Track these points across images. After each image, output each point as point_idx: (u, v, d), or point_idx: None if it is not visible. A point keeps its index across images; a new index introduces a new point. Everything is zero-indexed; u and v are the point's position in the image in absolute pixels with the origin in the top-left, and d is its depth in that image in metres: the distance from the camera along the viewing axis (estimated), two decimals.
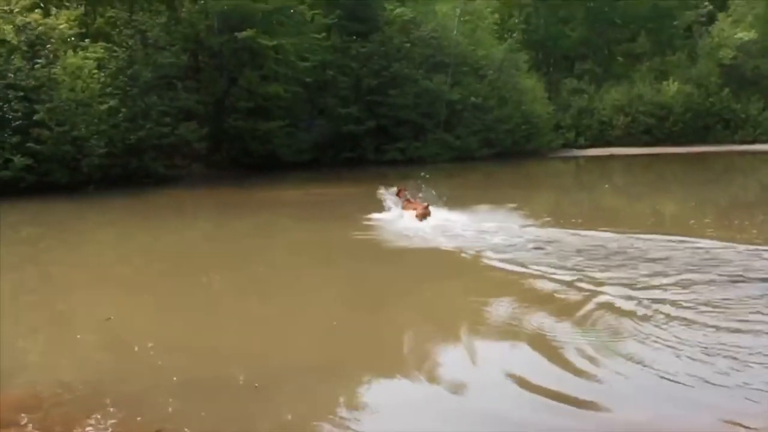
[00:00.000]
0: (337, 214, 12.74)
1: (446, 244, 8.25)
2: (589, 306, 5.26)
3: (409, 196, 11.44)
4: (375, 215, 11.28)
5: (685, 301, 5.20)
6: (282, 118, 31.09)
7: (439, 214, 10.52)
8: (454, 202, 13.29)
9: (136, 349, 4.95)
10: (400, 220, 10.67)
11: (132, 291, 7.08)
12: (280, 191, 21.45)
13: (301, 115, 34.02)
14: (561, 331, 4.76)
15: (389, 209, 11.30)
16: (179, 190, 22.00)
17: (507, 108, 40.13)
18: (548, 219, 10.85)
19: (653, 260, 7.06)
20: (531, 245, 8.40)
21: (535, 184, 23.62)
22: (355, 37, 35.71)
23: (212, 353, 4.91)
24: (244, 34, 27.87)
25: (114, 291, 7.11)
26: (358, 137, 35.32)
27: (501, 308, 5.30)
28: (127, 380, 4.30)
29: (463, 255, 7.76)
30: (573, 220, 10.41)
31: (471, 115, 38.98)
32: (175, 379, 4.27)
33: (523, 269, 6.85)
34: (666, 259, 7.08)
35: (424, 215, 10.36)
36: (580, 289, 5.75)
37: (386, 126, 36.78)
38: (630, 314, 4.99)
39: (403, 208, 11.06)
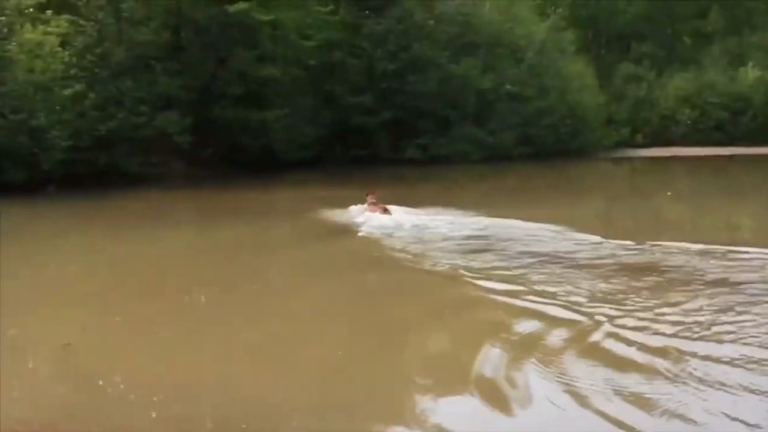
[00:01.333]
0: (342, 225, 12.80)
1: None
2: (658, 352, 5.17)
3: (374, 200, 13.30)
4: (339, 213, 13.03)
5: None
6: (280, 107, 31.36)
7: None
8: (486, 209, 13.34)
9: (100, 382, 4.96)
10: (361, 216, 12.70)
11: (98, 312, 7.10)
12: (276, 195, 21.51)
13: (303, 104, 34.23)
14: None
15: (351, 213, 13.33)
16: (157, 192, 22.27)
17: (549, 98, 40.14)
18: (597, 232, 10.81)
19: (732, 285, 6.94)
20: (570, 262, 8.40)
21: (580, 189, 23.49)
22: (368, 12, 36.02)
23: (193, 388, 4.89)
24: (235, 6, 28.00)
25: (77, 312, 7.13)
26: (370, 132, 35.64)
27: (530, 342, 5.27)
28: (92, 418, 4.32)
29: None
30: (628, 235, 10.34)
31: (506, 106, 39.05)
32: (150, 417, 4.30)
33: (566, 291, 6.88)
34: (746, 284, 6.96)
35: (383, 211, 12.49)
36: (638, 329, 5.66)
37: (404, 119, 36.89)
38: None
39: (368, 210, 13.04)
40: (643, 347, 5.11)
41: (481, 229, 11.52)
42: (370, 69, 36.04)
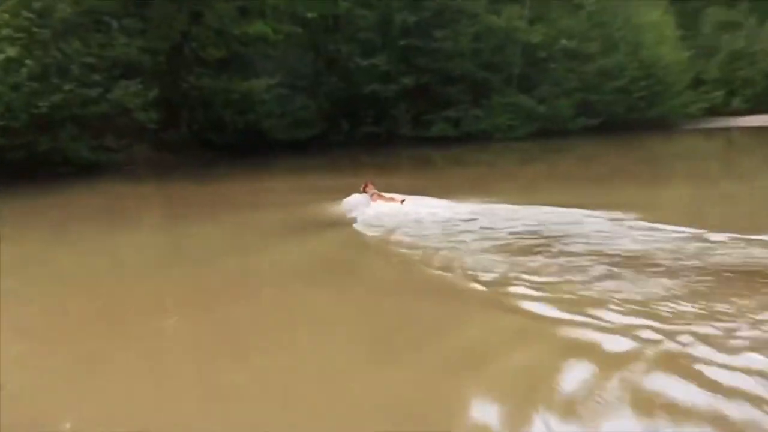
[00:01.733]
0: (346, 222, 12.74)
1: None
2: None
3: (376, 191, 13.61)
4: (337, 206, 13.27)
5: None
6: (269, 73, 31.73)
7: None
8: (536, 198, 13.21)
9: None
10: (367, 208, 12.79)
11: (39, 343, 7.05)
12: (265, 186, 21.40)
13: (299, 69, 34.47)
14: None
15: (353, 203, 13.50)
16: (114, 185, 22.58)
17: (616, 55, 39.78)
18: (684, 224, 10.63)
19: None
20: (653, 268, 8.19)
21: (660, 171, 23.24)
22: None
23: None
24: None
25: (10, 344, 7.10)
26: (386, 102, 36.98)
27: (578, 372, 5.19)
28: None
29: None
30: (725, 228, 10.17)
31: (561, 66, 38.94)
32: None
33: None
34: None
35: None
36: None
37: (430, 85, 37.39)
38: None
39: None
40: (748, 371, 5.06)
41: (531, 225, 11.35)
42: (386, 22, 36.16)
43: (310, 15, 32.03)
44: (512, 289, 7.29)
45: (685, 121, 40.20)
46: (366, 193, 13.80)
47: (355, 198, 13.96)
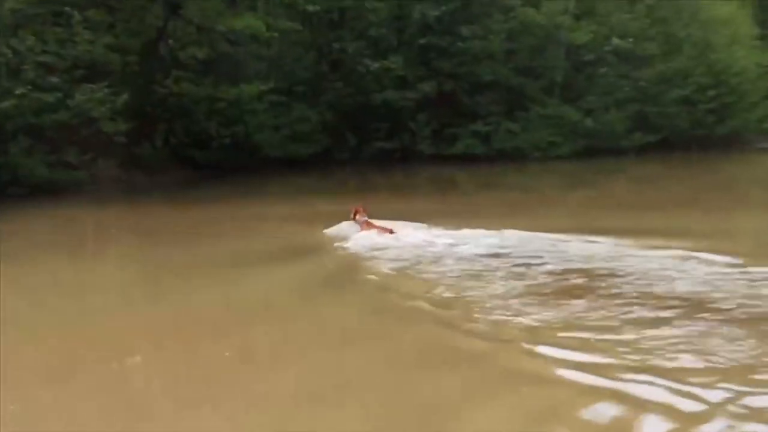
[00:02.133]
0: (348, 256, 12.73)
1: None
2: None
3: (366, 219, 13.95)
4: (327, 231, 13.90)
5: None
6: (262, 78, 31.97)
7: None
8: (582, 228, 13.12)
9: None
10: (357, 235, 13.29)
11: None
12: (255, 212, 21.42)
13: (298, 72, 34.54)
14: None
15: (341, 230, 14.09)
16: (74, 208, 22.65)
17: (680, 58, 39.65)
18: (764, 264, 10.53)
19: None
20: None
21: (736, 198, 23.07)
22: None
23: None
24: None
25: None
26: (402, 113, 36.84)
27: None
28: None
29: None
30: None
31: (612, 71, 38.78)
32: None
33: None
34: None
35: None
36: None
37: (454, 93, 37.42)
38: None
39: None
40: None
41: (573, 260, 11.18)
42: (401, 17, 36.22)
43: (311, 8, 32.19)
44: (545, 350, 6.95)
45: (763, 139, 39.92)
46: (356, 220, 14.04)
47: (344, 227, 14.16)
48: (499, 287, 9.56)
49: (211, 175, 29.11)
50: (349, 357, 7.90)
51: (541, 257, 11.20)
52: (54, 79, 25.82)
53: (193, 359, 8.04)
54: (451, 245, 12.43)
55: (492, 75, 36.30)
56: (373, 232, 13.41)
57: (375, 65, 34.60)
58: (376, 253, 12.27)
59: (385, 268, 11.34)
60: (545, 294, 9.21)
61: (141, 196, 25.48)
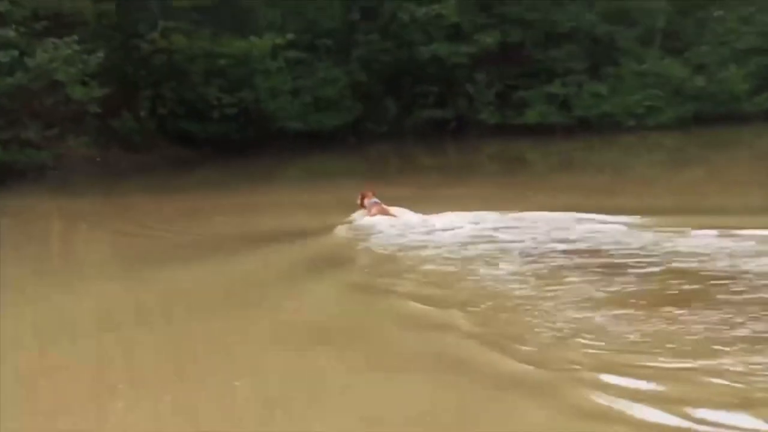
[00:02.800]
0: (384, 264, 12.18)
1: None
2: None
3: (376, 201, 14.87)
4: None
5: None
6: (276, 28, 31.97)
7: None
8: (688, 220, 12.56)
9: None
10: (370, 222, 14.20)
11: None
12: (261, 200, 20.99)
13: (322, 21, 34.25)
14: None
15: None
16: (34, 198, 22.59)
17: None
18: None
19: None
20: None
21: None
22: None
23: None
24: None
25: None
26: (455, 73, 36.97)
27: None
28: None
29: None
30: None
31: (732, 15, 38.31)
32: None
33: None
34: None
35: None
36: None
37: (523, 46, 37.32)
38: None
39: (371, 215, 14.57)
40: None
41: (675, 258, 10.79)
42: None
43: None
44: (609, 378, 6.70)
45: None
46: (364, 206, 14.92)
47: (357, 219, 14.90)
48: (567, 293, 9.39)
49: (210, 154, 28.90)
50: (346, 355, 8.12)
51: (635, 256, 10.99)
52: (9, 33, 25.47)
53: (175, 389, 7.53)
54: (503, 238, 12.57)
55: (572, 22, 35.62)
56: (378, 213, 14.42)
57: (421, 11, 34.09)
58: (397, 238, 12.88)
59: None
60: (630, 304, 8.76)
61: (119, 182, 25.22)
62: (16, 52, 25.59)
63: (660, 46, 37.34)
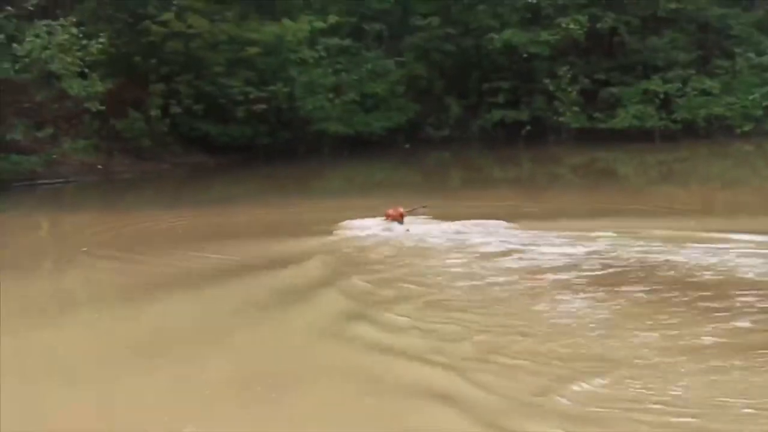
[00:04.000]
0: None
1: None
2: None
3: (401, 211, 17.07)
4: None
5: None
6: (316, 9, 32.06)
7: None
8: None
9: None
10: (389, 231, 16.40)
11: None
12: (293, 219, 20.86)
13: (371, 2, 34.16)
14: None
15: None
16: (22, 213, 22.60)
17: None
18: None
19: None
20: None
21: None
22: None
23: None
24: None
25: None
26: (534, 65, 36.97)
27: None
28: None
29: None
30: None
31: None
32: None
33: None
34: None
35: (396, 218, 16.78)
36: None
37: (616, 32, 36.97)
38: None
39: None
40: None
41: None
42: None
43: None
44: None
45: None
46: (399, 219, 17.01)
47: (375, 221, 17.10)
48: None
49: (234, 162, 28.64)
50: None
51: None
52: None
53: None
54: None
55: (676, 3, 35.20)
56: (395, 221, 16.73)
57: None
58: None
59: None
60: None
61: (123, 194, 25.15)
62: (1, 37, 25.72)
63: None
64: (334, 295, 12.51)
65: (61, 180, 26.53)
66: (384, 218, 17.35)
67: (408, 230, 16.65)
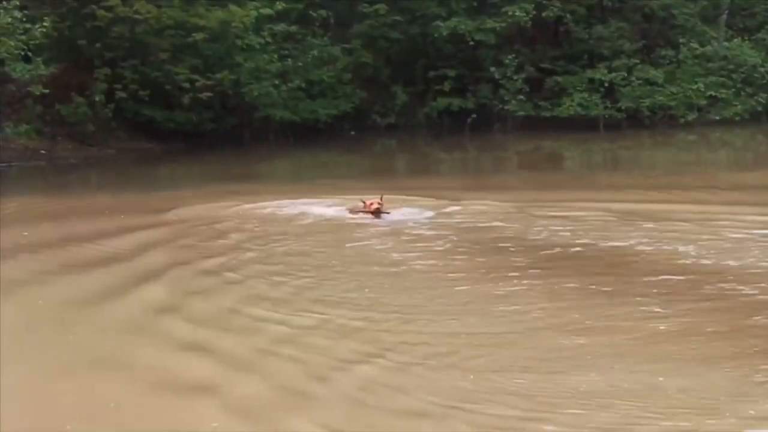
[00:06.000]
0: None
1: None
2: None
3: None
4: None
5: None
6: None
7: None
8: None
9: None
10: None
11: None
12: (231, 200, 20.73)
13: None
14: None
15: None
16: None
17: None
18: None
19: None
20: None
21: None
22: None
23: None
24: None
25: None
26: (480, 53, 36.76)
27: None
28: None
29: None
30: None
31: None
32: None
33: None
34: None
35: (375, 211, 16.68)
36: None
37: (561, 20, 36.95)
38: None
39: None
40: None
41: None
42: None
43: None
44: None
45: None
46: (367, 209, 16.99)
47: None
48: None
49: (180, 149, 28.44)
50: None
51: None
52: None
53: None
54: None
55: None
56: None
57: None
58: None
59: None
60: None
61: (71, 179, 25.08)
62: None
63: (727, 24, 36.95)
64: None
65: (3, 164, 26.27)
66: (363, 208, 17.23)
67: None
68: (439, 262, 12.77)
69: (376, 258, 13.27)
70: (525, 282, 11.22)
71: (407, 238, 14.68)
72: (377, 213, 16.80)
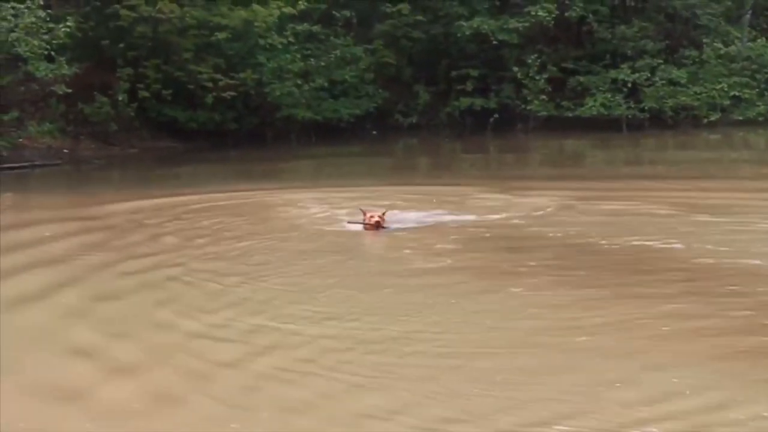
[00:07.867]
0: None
1: None
2: None
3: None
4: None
5: None
6: None
7: None
8: None
9: None
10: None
11: None
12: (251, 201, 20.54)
13: None
14: None
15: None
16: None
17: None
18: None
19: None
20: None
21: None
22: None
23: None
24: None
25: None
26: (502, 53, 36.42)
27: None
28: None
29: None
30: None
31: None
32: None
33: None
34: None
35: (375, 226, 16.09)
36: None
37: (584, 20, 36.85)
38: None
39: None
40: None
41: None
42: None
43: None
44: None
45: None
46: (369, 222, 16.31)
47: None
48: None
49: (201, 148, 28.43)
50: None
51: None
52: None
53: None
54: None
55: None
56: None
57: None
58: None
59: None
60: None
61: (93, 179, 24.99)
62: None
63: (750, 24, 36.71)
64: None
65: (26, 164, 26.17)
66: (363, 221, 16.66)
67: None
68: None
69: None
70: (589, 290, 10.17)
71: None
72: (377, 227, 16.28)
